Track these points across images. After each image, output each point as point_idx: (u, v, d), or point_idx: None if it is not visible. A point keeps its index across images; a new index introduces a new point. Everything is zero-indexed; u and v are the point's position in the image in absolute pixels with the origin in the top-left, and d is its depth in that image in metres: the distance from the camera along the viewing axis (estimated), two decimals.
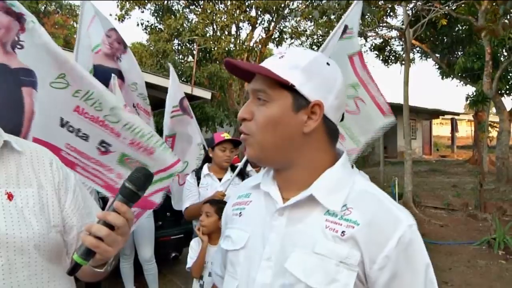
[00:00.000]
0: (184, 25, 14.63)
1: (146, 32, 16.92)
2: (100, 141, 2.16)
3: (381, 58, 15.91)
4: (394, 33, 13.46)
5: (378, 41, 15.09)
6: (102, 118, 2.11)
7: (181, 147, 4.33)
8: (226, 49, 14.01)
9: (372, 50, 15.60)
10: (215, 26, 15.05)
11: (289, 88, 0.96)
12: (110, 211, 0.93)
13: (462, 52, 14.32)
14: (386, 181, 11.01)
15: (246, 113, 1.00)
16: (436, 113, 24.29)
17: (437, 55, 14.77)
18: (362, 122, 3.34)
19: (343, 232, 0.92)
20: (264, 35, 16.16)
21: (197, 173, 3.44)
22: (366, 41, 14.58)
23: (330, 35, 3.19)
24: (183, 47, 15.60)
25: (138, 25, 16.81)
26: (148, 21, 16.89)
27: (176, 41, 15.81)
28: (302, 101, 0.96)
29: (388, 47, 15.71)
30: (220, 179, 3.34)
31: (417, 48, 15.02)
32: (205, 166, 3.46)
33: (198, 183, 3.36)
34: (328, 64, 1.02)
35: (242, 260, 1.04)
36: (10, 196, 1.10)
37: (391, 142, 20.17)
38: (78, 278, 1.18)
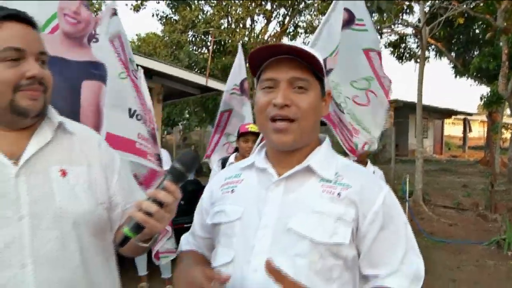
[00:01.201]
0: (199, 16, 14.67)
1: (161, 23, 17.01)
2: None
3: (395, 55, 15.83)
4: (409, 30, 13.40)
5: (393, 37, 15.01)
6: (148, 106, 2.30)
7: (235, 123, 4.60)
8: (241, 42, 14.04)
9: (387, 46, 15.53)
10: (230, 19, 15.09)
11: (318, 78, 1.12)
12: (159, 190, 1.00)
13: (478, 52, 14.18)
14: (397, 178, 11.00)
15: (288, 100, 1.09)
16: (449, 113, 24.11)
17: (452, 54, 14.66)
18: (371, 114, 3.40)
19: (339, 193, 1.10)
20: (278, 29, 16.16)
21: (224, 161, 3.53)
22: (381, 37, 14.50)
23: (320, 24, 3.13)
24: (198, 38, 15.65)
25: (153, 15, 16.88)
26: (163, 12, 16.97)
27: (190, 33, 15.87)
28: (323, 90, 1.16)
29: (403, 44, 15.61)
30: None
31: (432, 46, 14.91)
32: (233, 156, 3.56)
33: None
34: None
35: (238, 230, 1.13)
36: (64, 173, 1.18)
37: (402, 140, 20.09)
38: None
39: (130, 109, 2.14)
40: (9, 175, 1.11)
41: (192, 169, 1.06)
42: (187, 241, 1.36)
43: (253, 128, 3.49)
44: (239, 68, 5.08)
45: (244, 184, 1.22)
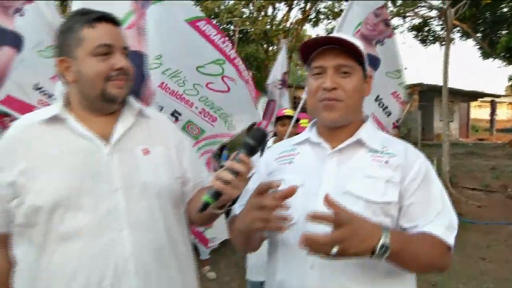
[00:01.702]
0: (222, 6, 14.80)
1: None
2: (173, 111, 2.47)
3: (419, 38, 15.64)
4: (433, 12, 13.20)
5: (417, 21, 14.82)
6: (181, 92, 2.42)
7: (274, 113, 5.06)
8: (263, 30, 14.11)
9: (410, 30, 15.34)
10: (251, 7, 15.16)
11: (360, 63, 1.33)
12: (235, 161, 1.19)
13: (506, 31, 13.88)
14: None
15: (335, 84, 1.30)
16: (475, 95, 23.64)
17: (478, 35, 14.39)
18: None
19: (386, 161, 1.31)
20: (300, 16, 16.15)
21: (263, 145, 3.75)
22: (404, 21, 14.36)
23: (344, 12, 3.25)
24: (221, 28, 15.81)
25: None
26: (184, 3, 17.10)
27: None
28: (365, 73, 1.37)
29: (427, 27, 15.40)
30: None
31: (458, 28, 14.66)
32: (271, 140, 3.75)
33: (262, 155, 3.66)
34: None
35: (300, 195, 1.27)
36: (146, 152, 1.39)
37: (427, 124, 19.85)
38: None
39: None
40: (103, 154, 1.32)
41: (262, 144, 1.24)
42: (240, 208, 1.53)
43: (288, 112, 3.67)
44: (281, 63, 5.64)
45: (300, 157, 1.41)
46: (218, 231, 2.55)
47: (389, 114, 3.40)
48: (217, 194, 1.19)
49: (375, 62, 3.18)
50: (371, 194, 1.25)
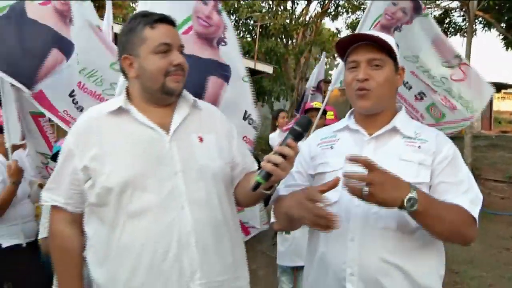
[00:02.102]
0: (241, 1, 14.91)
1: None
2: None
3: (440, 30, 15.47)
4: (455, 3, 13.08)
5: (438, 12, 14.67)
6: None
7: None
8: (282, 24, 14.17)
9: None
10: (271, 2, 15.24)
11: (391, 56, 1.48)
12: (284, 146, 1.33)
13: None
14: None
15: (366, 75, 1.47)
16: (498, 87, 23.11)
17: (502, 25, 14.16)
18: (472, 86, 3.41)
19: (419, 146, 1.46)
20: (319, 10, 16.15)
21: None
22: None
23: (365, 11, 3.30)
24: (240, 23, 15.92)
25: None
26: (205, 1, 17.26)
27: (233, 18, 16.14)
28: (396, 66, 1.51)
29: (448, 19, 15.22)
30: None
31: (480, 19, 14.46)
32: None
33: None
34: (397, 45, 1.54)
35: (341, 176, 1.40)
36: (200, 139, 1.55)
37: None
38: None
39: (246, 112, 2.30)
40: (165, 142, 1.49)
41: (307, 130, 1.39)
42: (283, 189, 1.67)
43: (316, 104, 3.82)
44: (318, 72, 6.56)
45: (341, 142, 1.58)
46: (248, 216, 2.67)
47: (410, 88, 3.42)
48: (267, 175, 1.34)
49: None
50: (404, 175, 1.37)
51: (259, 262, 5.24)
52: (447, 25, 15.37)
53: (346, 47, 1.54)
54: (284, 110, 6.97)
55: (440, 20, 14.96)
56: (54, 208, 1.56)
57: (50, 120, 3.12)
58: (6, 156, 3.09)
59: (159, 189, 1.43)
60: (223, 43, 2.22)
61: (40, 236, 2.96)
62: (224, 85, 2.23)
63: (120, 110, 1.51)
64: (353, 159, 1.25)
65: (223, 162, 1.58)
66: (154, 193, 1.43)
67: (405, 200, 1.24)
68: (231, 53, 2.24)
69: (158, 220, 1.41)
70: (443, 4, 13.27)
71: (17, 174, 2.96)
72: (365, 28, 3.21)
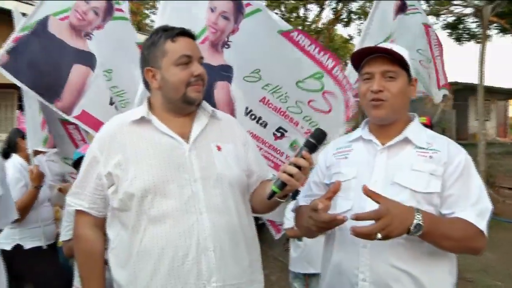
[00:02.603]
0: None
1: None
2: (278, 127, 2.46)
3: (453, 36, 15.39)
4: (468, 10, 13.01)
5: (451, 18, 14.60)
6: (284, 109, 2.41)
7: None
8: None
9: (444, 28, 15.12)
10: (283, 9, 15.35)
11: (404, 68, 1.54)
12: (299, 157, 1.40)
13: None
14: None
15: (380, 86, 1.53)
16: None
17: None
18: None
19: (431, 156, 1.49)
20: (332, 16, 16.22)
21: None
22: (438, 19, 14.19)
23: (371, 12, 3.23)
24: None
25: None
26: None
27: None
28: (410, 77, 1.57)
29: (461, 25, 15.14)
30: None
31: (494, 25, 14.36)
32: None
33: None
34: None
35: (354, 186, 1.54)
36: (219, 148, 1.62)
37: (462, 123, 19.47)
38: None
39: (247, 108, 2.36)
40: (184, 150, 1.55)
41: (321, 142, 1.45)
42: (302, 199, 1.76)
43: None
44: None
45: (355, 152, 1.63)
46: (276, 215, 2.70)
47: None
48: (283, 185, 1.41)
49: None
50: (415, 185, 1.44)
51: (272, 267, 5.27)
52: (461, 31, 15.30)
53: (361, 58, 1.60)
54: None
55: (454, 26, 14.91)
56: (79, 212, 1.63)
57: (76, 126, 3.24)
58: (28, 160, 3.20)
59: (179, 195, 1.50)
60: (226, 46, 2.27)
61: (61, 239, 3.06)
62: (229, 86, 2.30)
63: (142, 120, 1.58)
64: (368, 194, 1.33)
65: (240, 170, 1.65)
66: (174, 199, 1.49)
67: (411, 228, 1.31)
68: (234, 54, 2.29)
69: (177, 225, 1.48)
70: (457, 10, 13.18)
71: (39, 178, 3.08)
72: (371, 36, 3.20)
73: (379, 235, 1.27)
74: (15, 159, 3.31)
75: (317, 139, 1.44)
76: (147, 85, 1.66)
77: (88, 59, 2.73)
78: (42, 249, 3.20)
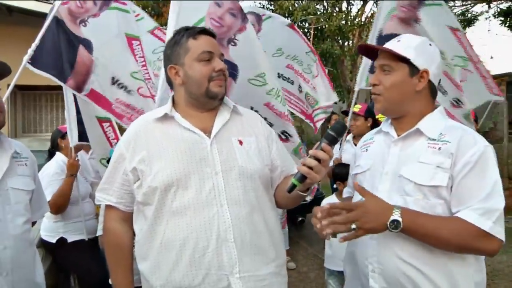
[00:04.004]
0: (296, 4, 14.94)
1: None
2: (282, 131, 2.52)
3: (507, 25, 14.57)
4: None
5: (505, 5, 13.82)
6: (286, 113, 2.48)
7: None
8: (338, 25, 14.01)
9: (496, 16, 14.33)
10: (325, 4, 15.14)
11: (405, 61, 1.49)
12: (318, 150, 1.39)
13: None
14: (510, 157, 10.31)
15: (375, 80, 1.55)
16: None
17: None
18: (467, 90, 3.33)
19: (440, 147, 1.43)
20: (375, 10, 15.78)
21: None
22: (489, 7, 13.49)
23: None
24: (295, 25, 15.97)
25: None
26: (260, 3, 17.52)
27: (288, 21, 16.18)
28: (415, 69, 1.50)
29: None
30: (355, 145, 3.80)
31: None
32: (351, 134, 4.08)
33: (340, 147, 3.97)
34: (430, 44, 1.55)
35: (368, 177, 1.59)
36: (240, 142, 1.64)
37: None
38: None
39: (252, 108, 2.31)
40: (206, 144, 1.58)
41: (341, 135, 1.44)
42: (345, 192, 1.88)
43: (355, 108, 3.86)
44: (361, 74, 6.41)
45: (375, 144, 1.66)
46: None
47: (445, 92, 3.21)
48: (302, 178, 1.40)
49: None
50: (419, 178, 1.42)
51: (311, 264, 5.25)
52: None
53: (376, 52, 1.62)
54: (336, 113, 6.92)
55: (508, 13, 14.10)
56: (108, 207, 1.70)
57: (111, 123, 3.39)
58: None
59: (201, 187, 1.53)
60: (232, 44, 2.31)
61: (98, 233, 3.20)
62: (232, 82, 2.33)
63: (165, 117, 1.63)
64: (356, 190, 1.45)
65: (262, 164, 1.65)
66: (195, 191, 1.52)
67: (388, 224, 1.32)
68: (240, 54, 2.33)
69: (198, 217, 1.51)
70: None
71: (72, 167, 3.28)
72: (380, 22, 3.26)
73: (353, 225, 1.32)
74: (58, 157, 3.52)
75: (337, 132, 1.43)
76: (170, 83, 1.70)
77: (87, 44, 2.89)
78: (84, 242, 3.36)
